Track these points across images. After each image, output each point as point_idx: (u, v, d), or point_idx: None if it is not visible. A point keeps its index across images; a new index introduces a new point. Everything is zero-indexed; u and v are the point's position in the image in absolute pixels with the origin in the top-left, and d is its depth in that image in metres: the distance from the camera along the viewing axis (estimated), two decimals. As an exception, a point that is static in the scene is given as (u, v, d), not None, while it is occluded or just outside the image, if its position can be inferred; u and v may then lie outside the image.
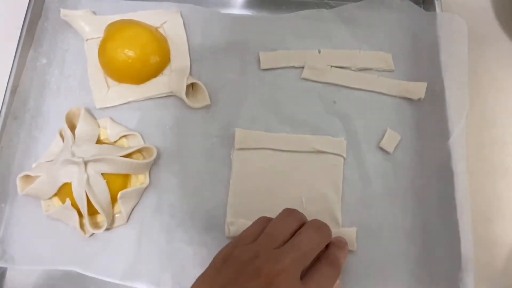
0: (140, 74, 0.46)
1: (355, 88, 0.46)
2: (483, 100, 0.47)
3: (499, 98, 0.48)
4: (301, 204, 0.41)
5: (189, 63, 0.47)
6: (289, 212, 0.34)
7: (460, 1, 0.51)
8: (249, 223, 0.39)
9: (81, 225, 0.40)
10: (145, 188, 0.42)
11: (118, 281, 0.39)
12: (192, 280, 0.39)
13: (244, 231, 0.34)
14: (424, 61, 0.46)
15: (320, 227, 0.33)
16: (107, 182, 0.40)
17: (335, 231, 0.40)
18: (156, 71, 0.46)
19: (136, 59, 0.44)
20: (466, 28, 0.45)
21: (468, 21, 0.46)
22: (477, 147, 0.45)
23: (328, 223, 0.40)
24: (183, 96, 0.44)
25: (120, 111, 0.46)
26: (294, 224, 0.33)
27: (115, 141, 0.44)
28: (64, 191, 0.40)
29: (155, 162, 0.43)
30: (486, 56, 0.49)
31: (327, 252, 0.33)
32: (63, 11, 0.48)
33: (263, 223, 0.34)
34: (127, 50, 0.44)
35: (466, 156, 0.41)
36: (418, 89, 0.45)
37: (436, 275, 0.39)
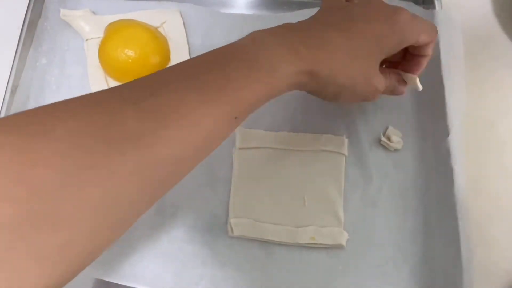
0: (140, 74, 0.45)
1: None
2: (483, 100, 0.47)
3: (498, 98, 0.48)
4: (303, 202, 0.41)
5: (189, 63, 0.47)
6: None
7: (460, 1, 0.51)
8: (251, 222, 0.40)
9: (82, 225, 0.40)
10: (146, 188, 0.42)
11: (119, 282, 0.39)
12: (193, 280, 0.39)
13: None
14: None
15: None
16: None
17: (337, 229, 0.40)
18: (156, 71, 0.46)
19: (136, 59, 0.44)
20: (460, 24, 0.45)
21: (467, 21, 0.46)
22: (477, 147, 0.45)
23: (330, 222, 0.40)
24: (183, 95, 0.44)
25: (120, 111, 0.45)
26: None
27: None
28: (64, 191, 0.40)
29: (156, 162, 0.43)
30: (485, 55, 0.49)
31: None
32: (63, 11, 0.48)
33: None
34: (127, 50, 0.44)
35: (465, 153, 0.41)
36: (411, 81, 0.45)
37: (436, 275, 0.39)
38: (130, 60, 0.44)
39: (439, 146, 0.42)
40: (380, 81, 0.34)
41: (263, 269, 0.40)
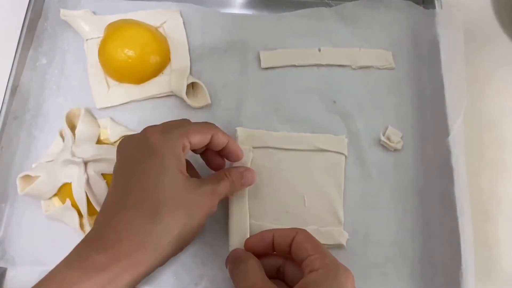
0: (140, 74, 0.46)
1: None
2: (483, 100, 0.47)
3: (499, 97, 0.48)
4: (303, 202, 0.41)
5: (189, 63, 0.47)
6: None
7: (460, 0, 0.51)
8: (251, 222, 0.39)
9: (81, 225, 0.40)
10: (146, 188, 0.42)
11: (119, 281, 0.39)
12: (193, 280, 0.39)
13: None
14: (425, 58, 0.46)
15: None
16: (107, 182, 0.40)
17: (337, 229, 0.40)
18: (156, 71, 0.46)
19: (136, 58, 0.44)
20: (461, 23, 0.45)
21: (467, 21, 0.46)
22: (477, 146, 0.45)
23: (330, 221, 0.41)
24: (184, 95, 0.44)
25: (121, 111, 0.45)
26: None
27: (116, 141, 0.44)
28: (64, 191, 0.40)
29: (156, 161, 0.43)
30: (486, 55, 0.49)
31: None
32: (62, 11, 0.48)
33: None
34: (127, 50, 0.44)
35: (465, 153, 0.41)
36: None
37: (436, 275, 0.39)
38: (130, 60, 0.44)
39: (439, 146, 0.42)
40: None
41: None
